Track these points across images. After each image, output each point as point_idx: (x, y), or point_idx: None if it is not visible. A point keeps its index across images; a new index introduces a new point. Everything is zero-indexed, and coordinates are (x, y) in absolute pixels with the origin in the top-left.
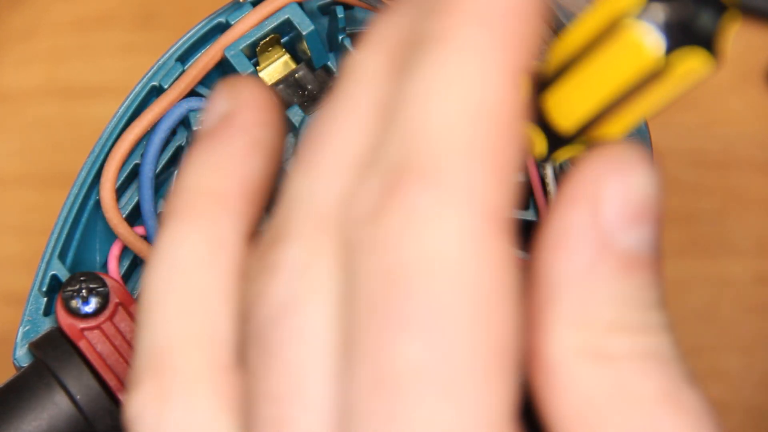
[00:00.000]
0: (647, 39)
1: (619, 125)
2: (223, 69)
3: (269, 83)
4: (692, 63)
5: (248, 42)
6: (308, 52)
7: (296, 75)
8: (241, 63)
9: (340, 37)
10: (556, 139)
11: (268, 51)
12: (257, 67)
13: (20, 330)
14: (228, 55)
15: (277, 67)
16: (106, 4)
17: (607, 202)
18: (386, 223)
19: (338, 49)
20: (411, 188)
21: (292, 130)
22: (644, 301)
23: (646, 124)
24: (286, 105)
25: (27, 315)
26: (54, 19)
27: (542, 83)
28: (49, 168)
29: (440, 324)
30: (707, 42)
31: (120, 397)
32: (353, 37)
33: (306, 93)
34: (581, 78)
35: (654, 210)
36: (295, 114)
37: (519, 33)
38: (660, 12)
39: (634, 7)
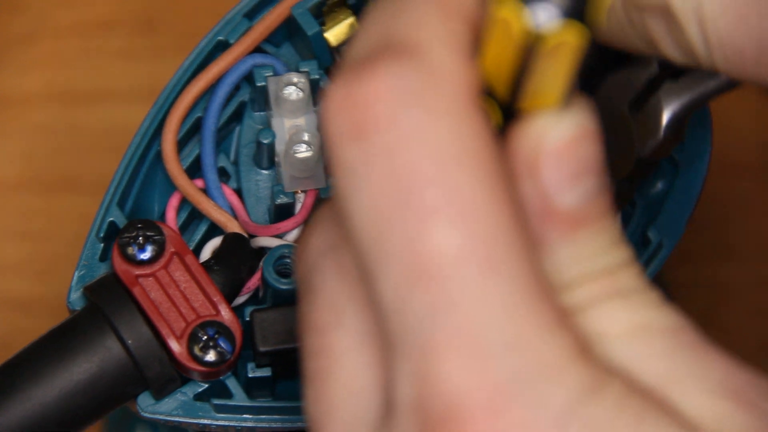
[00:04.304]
0: (514, 14)
1: (547, 97)
2: (289, 27)
3: (334, 44)
4: (563, 35)
5: (316, 1)
6: None
7: None
8: (307, 22)
9: None
10: (504, 109)
11: (335, 12)
12: (323, 27)
13: (76, 274)
14: (295, 14)
15: (342, 28)
16: (107, 10)
17: (542, 169)
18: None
19: None
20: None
21: None
22: (597, 250)
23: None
24: None
25: (83, 260)
26: (55, 25)
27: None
28: (50, 173)
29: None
30: (581, 15)
31: (170, 344)
32: None
33: None
34: (490, 46)
35: (591, 160)
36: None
37: None
38: None
39: None
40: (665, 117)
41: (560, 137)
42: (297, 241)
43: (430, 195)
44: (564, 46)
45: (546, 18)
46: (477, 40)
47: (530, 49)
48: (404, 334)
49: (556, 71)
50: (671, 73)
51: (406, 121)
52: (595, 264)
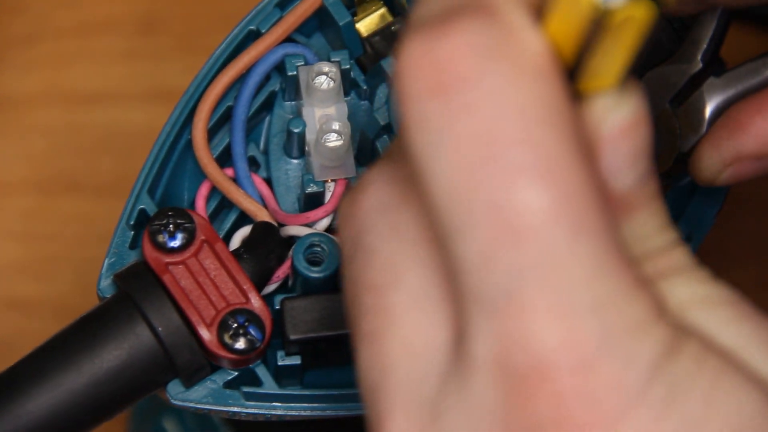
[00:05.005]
0: None
1: (605, 78)
2: (321, 17)
3: (365, 34)
4: (632, 9)
5: None
6: (406, 5)
7: (393, 28)
8: (339, 12)
9: None
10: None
11: (366, 2)
12: (354, 17)
13: (106, 261)
14: (327, 4)
15: (374, 18)
16: (108, 11)
17: (602, 152)
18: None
19: None
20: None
21: (386, 80)
22: (651, 230)
23: None
24: (382, 56)
25: (113, 247)
26: (56, 25)
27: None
28: (50, 174)
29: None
30: None
31: (200, 332)
32: None
33: None
34: (554, 19)
35: (646, 145)
36: (390, 66)
37: None
38: None
39: None
40: (708, 111)
41: (620, 121)
42: (343, 201)
43: (517, 153)
44: (631, 21)
45: None
46: (540, 13)
47: (596, 23)
48: (488, 292)
49: (620, 48)
50: (714, 69)
51: (491, 78)
52: (651, 244)
